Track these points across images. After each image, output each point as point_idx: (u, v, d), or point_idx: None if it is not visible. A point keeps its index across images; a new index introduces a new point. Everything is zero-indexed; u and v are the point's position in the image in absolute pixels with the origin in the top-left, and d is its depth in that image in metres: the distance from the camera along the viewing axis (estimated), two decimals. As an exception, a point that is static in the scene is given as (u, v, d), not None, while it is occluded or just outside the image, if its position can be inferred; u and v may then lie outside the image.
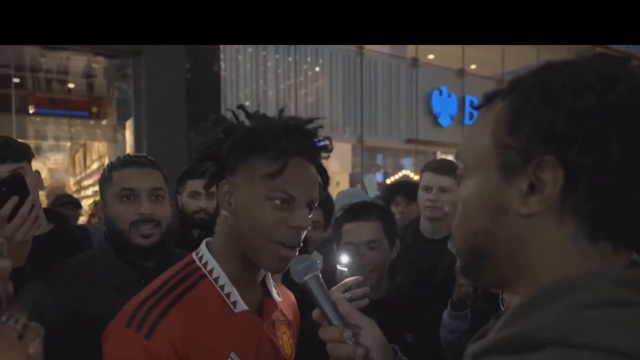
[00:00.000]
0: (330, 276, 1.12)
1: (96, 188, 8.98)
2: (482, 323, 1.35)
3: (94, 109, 8.23)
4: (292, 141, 0.88)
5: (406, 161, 9.75)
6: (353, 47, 8.14)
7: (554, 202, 0.50)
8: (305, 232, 0.92)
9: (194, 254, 0.95)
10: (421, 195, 2.04)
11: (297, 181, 0.88)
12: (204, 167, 0.94)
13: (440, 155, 9.91)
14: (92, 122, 8.51)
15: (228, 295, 0.90)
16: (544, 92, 0.50)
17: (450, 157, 10.40)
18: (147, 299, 0.86)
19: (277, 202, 0.87)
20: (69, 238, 1.49)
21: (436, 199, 1.96)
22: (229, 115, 0.94)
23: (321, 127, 0.94)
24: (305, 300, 1.08)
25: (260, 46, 7.35)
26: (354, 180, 9.06)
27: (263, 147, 0.88)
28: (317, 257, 0.86)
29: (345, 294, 0.92)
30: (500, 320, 0.52)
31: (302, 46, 7.70)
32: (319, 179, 0.94)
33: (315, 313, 0.80)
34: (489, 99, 0.58)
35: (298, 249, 0.90)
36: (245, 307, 0.91)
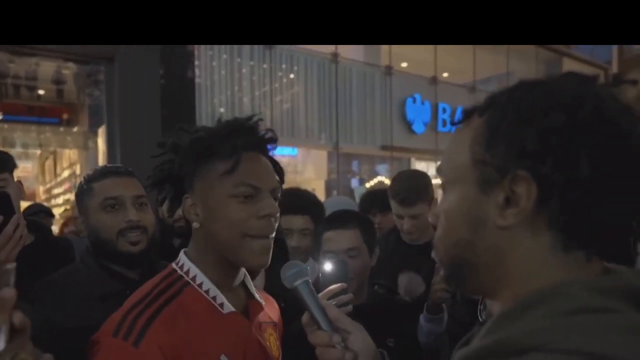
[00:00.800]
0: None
1: (67, 196, 8.77)
2: (460, 327, 1.39)
3: (65, 116, 8.05)
4: (239, 138, 0.90)
5: (381, 167, 9.84)
6: (328, 55, 8.19)
7: (529, 214, 0.53)
8: (276, 221, 0.92)
9: (173, 264, 0.96)
10: (395, 218, 2.07)
11: (255, 172, 0.90)
12: (163, 192, 0.96)
13: (414, 162, 10.04)
14: (62, 129, 8.32)
15: (214, 298, 0.91)
16: (517, 110, 0.53)
17: (423, 164, 10.50)
18: (132, 308, 0.86)
19: (241, 197, 0.88)
20: (51, 249, 1.47)
21: (411, 227, 1.99)
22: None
23: (261, 119, 0.96)
24: (289, 308, 1.10)
25: (235, 52, 7.33)
26: (329, 186, 9.09)
27: (213, 150, 0.90)
28: (309, 264, 0.89)
29: (331, 300, 0.94)
30: (484, 327, 0.54)
31: (277, 52, 7.71)
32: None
33: (305, 317, 0.82)
34: (466, 115, 0.61)
35: (273, 239, 0.92)
36: (233, 309, 0.92)
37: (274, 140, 0.97)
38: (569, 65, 12.19)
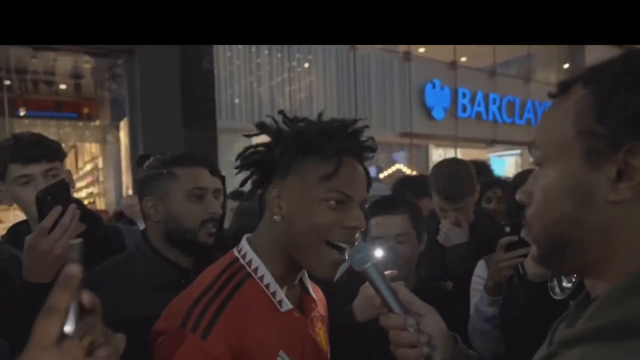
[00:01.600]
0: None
1: (90, 190, 8.88)
2: (516, 310, 1.33)
3: (84, 110, 8.11)
4: (344, 141, 0.88)
5: (399, 155, 9.76)
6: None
7: None
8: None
9: (235, 252, 0.94)
10: (438, 211, 2.01)
11: (351, 181, 0.88)
12: (249, 174, 0.94)
13: (433, 149, 9.93)
14: (81, 123, 8.39)
15: (274, 294, 0.90)
16: (632, 79, 0.50)
17: (441, 151, 10.38)
18: (199, 299, 0.85)
19: (332, 202, 0.86)
20: (102, 239, 1.45)
21: (455, 219, 1.93)
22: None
23: (367, 126, 0.94)
24: (329, 296, 1.08)
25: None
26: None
27: (315, 148, 0.87)
28: (371, 247, 0.86)
29: None
30: (593, 305, 0.51)
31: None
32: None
33: (377, 301, 0.80)
34: (564, 87, 0.57)
35: (346, 255, 0.89)
36: (291, 306, 0.91)
37: (373, 150, 0.94)
38: (592, 46, 11.91)
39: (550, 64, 11.70)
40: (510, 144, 10.71)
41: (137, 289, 1.20)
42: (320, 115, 0.95)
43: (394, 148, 9.85)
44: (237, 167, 0.95)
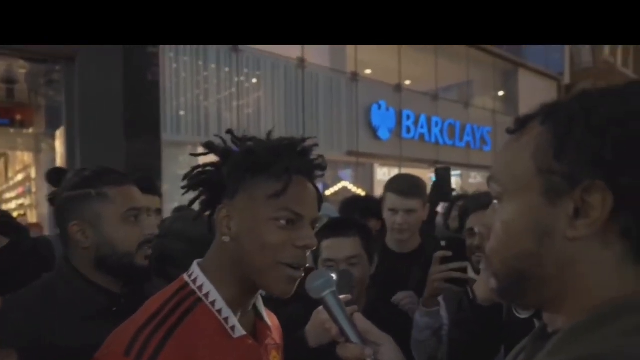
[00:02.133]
0: None
1: (21, 201, 8.33)
2: (467, 335, 1.37)
3: (17, 117, 7.65)
4: (293, 159, 0.88)
5: (345, 173, 9.88)
6: (294, 60, 8.17)
7: (601, 225, 0.51)
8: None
9: (185, 277, 0.90)
10: (387, 215, 2.07)
11: (301, 199, 0.87)
12: (197, 194, 0.92)
13: (378, 168, 10.14)
14: (12, 130, 7.90)
15: (226, 320, 0.87)
16: (590, 118, 0.52)
17: (386, 170, 10.60)
18: (145, 326, 0.81)
19: (283, 222, 0.85)
20: (31, 251, 1.34)
21: (404, 222, 1.98)
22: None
23: (316, 145, 0.94)
24: (285, 323, 1.06)
25: (200, 54, 7.19)
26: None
27: (264, 167, 0.86)
28: (330, 273, 0.85)
29: None
30: (552, 341, 0.52)
31: (243, 56, 7.62)
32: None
33: (333, 329, 0.79)
34: (522, 123, 0.59)
35: (303, 269, 0.89)
36: (244, 332, 0.88)
37: (323, 168, 0.93)
38: (524, 75, 12.68)
39: (486, 90, 12.34)
40: (451, 164, 11.10)
41: (62, 318, 1.10)
42: (269, 133, 0.95)
43: (340, 166, 9.96)
44: (184, 187, 0.92)
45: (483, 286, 1.27)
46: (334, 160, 9.61)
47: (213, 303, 0.87)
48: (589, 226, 0.52)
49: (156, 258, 1.50)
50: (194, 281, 0.89)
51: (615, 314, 0.49)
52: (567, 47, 14.23)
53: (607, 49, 16.15)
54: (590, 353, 0.47)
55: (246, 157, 0.88)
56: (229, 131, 0.94)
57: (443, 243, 1.40)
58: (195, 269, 0.91)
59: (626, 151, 0.50)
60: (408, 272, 1.90)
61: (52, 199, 1.23)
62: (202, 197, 0.92)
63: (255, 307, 0.97)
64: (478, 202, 1.79)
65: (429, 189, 2.34)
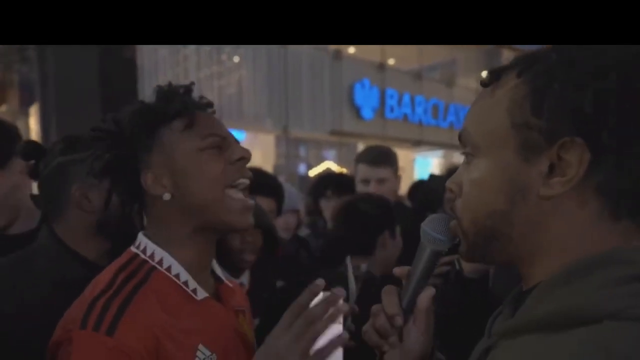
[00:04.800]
0: None
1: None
2: (452, 306, 1.36)
3: (-9, 95, 7.43)
4: (183, 99, 0.87)
5: (329, 153, 9.86)
6: (276, 38, 8.06)
7: (576, 182, 0.49)
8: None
9: (133, 248, 0.86)
10: (360, 187, 2.07)
11: (215, 124, 0.88)
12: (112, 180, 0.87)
13: (362, 147, 10.14)
14: (-14, 108, 7.69)
15: (185, 283, 0.83)
16: (568, 71, 0.50)
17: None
18: (96, 299, 0.76)
19: (212, 149, 0.84)
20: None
21: (376, 191, 1.98)
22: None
23: (193, 84, 0.93)
24: (273, 304, 1.02)
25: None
26: (277, 171, 9.01)
27: (162, 114, 0.85)
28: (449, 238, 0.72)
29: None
30: (530, 297, 0.51)
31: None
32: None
33: (403, 273, 0.71)
34: (495, 75, 0.56)
35: (253, 200, 0.88)
36: (207, 294, 0.85)
37: (210, 104, 0.93)
38: (508, 55, 12.71)
39: (470, 70, 12.35)
40: (434, 145, 11.16)
41: (38, 288, 1.06)
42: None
43: (323, 146, 9.93)
44: (95, 176, 0.87)
45: None
46: (317, 139, 9.58)
47: (169, 269, 0.83)
48: (564, 184, 0.50)
49: None
50: (144, 251, 0.85)
51: (591, 268, 0.48)
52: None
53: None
54: (568, 305, 0.46)
55: (141, 115, 0.85)
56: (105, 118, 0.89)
57: None
58: (142, 238, 0.87)
59: (607, 106, 0.48)
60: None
61: (35, 171, 1.18)
62: (121, 181, 0.87)
63: (213, 273, 0.93)
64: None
65: (413, 177, 2.38)
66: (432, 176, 3.04)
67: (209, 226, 0.85)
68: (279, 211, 2.13)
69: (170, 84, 0.91)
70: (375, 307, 0.70)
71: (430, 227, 0.69)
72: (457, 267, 1.33)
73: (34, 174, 1.20)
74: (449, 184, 0.60)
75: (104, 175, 0.86)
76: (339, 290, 0.69)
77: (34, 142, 1.24)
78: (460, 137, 0.59)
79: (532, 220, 0.52)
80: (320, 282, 0.69)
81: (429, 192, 2.79)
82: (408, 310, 0.69)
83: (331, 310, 0.67)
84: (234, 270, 1.48)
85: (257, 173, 1.84)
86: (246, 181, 0.87)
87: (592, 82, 0.48)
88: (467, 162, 0.57)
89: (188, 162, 0.83)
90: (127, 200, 0.89)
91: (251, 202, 0.87)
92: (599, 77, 0.48)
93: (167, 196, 0.83)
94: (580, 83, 0.49)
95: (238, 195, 0.85)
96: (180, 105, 0.85)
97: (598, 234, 0.50)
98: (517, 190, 0.52)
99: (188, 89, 0.90)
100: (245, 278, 1.59)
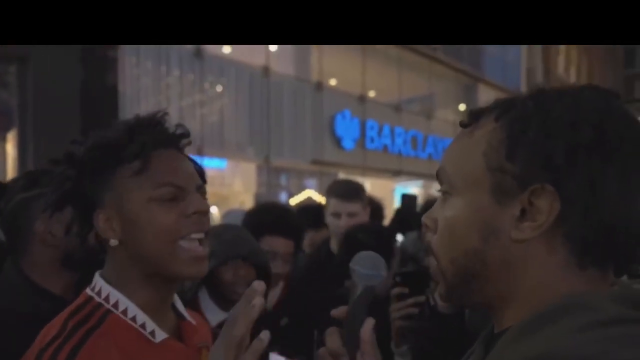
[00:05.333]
0: None
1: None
2: (428, 342, 1.35)
3: (-35, 120, 7.28)
4: (145, 135, 0.81)
5: (310, 182, 9.88)
6: (258, 68, 8.13)
7: (545, 228, 0.51)
8: (208, 220, 0.83)
9: (88, 291, 0.83)
10: (330, 220, 2.11)
11: (174, 170, 0.82)
12: (69, 214, 0.84)
13: (342, 177, 10.19)
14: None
15: (143, 326, 0.80)
16: (544, 121, 0.52)
17: (351, 179, 10.76)
18: (45, 348, 0.73)
19: (164, 200, 0.79)
20: None
21: (347, 226, 1.97)
22: None
23: (167, 113, 0.88)
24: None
25: (162, 59, 7.05)
26: (258, 200, 8.96)
27: (116, 155, 0.80)
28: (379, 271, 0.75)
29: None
30: (501, 340, 0.52)
31: (207, 62, 7.53)
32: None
33: (342, 313, 0.72)
34: (475, 118, 0.58)
35: (207, 248, 0.83)
36: (165, 335, 0.82)
37: (185, 136, 0.88)
38: (483, 89, 13.09)
39: (448, 103, 12.65)
40: (413, 175, 11.30)
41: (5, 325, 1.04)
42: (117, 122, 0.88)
43: (305, 175, 9.95)
44: (47, 210, 0.84)
45: None
46: (298, 169, 9.60)
47: (125, 312, 0.80)
48: (534, 229, 0.51)
49: None
50: (99, 293, 0.82)
51: (559, 314, 0.49)
52: (523, 65, 14.80)
53: (561, 66, 16.87)
54: (536, 353, 0.47)
55: (91, 154, 0.81)
56: (74, 140, 0.85)
57: (398, 279, 1.36)
58: (97, 279, 0.83)
59: (577, 158, 0.50)
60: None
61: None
62: (76, 214, 0.83)
63: (175, 309, 0.90)
64: None
65: (393, 206, 2.42)
66: (404, 196, 3.11)
67: (161, 274, 0.82)
68: (296, 254, 1.95)
69: (137, 117, 0.85)
70: (321, 350, 0.72)
71: (360, 265, 0.73)
72: (432, 302, 1.33)
73: None
74: (424, 219, 0.61)
75: (57, 208, 0.84)
76: (259, 284, 0.67)
77: None
78: (437, 175, 0.60)
79: (505, 261, 0.53)
80: (265, 335, 0.65)
81: (404, 211, 2.84)
82: (355, 347, 0.70)
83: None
84: (225, 303, 1.45)
85: (278, 211, 1.83)
86: (201, 235, 0.82)
87: (565, 134, 0.50)
88: (444, 200, 0.59)
89: (137, 211, 0.79)
90: (84, 233, 0.85)
91: (204, 251, 0.82)
92: (572, 130, 0.50)
93: (113, 242, 0.81)
94: (553, 134, 0.51)
95: (191, 244, 0.80)
96: (138, 146, 0.79)
97: (566, 281, 0.52)
98: (490, 231, 0.54)
99: (159, 122, 0.85)
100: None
